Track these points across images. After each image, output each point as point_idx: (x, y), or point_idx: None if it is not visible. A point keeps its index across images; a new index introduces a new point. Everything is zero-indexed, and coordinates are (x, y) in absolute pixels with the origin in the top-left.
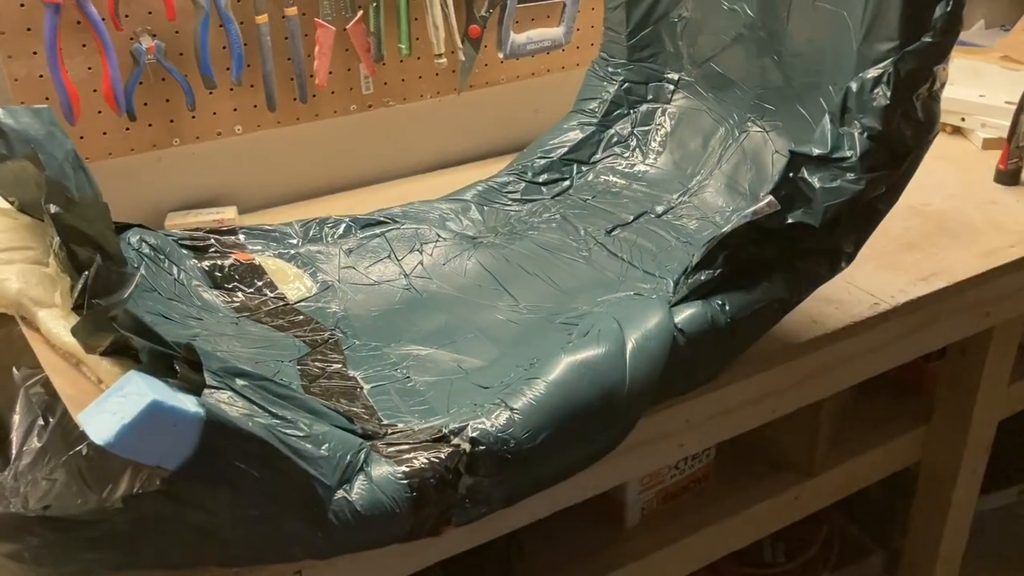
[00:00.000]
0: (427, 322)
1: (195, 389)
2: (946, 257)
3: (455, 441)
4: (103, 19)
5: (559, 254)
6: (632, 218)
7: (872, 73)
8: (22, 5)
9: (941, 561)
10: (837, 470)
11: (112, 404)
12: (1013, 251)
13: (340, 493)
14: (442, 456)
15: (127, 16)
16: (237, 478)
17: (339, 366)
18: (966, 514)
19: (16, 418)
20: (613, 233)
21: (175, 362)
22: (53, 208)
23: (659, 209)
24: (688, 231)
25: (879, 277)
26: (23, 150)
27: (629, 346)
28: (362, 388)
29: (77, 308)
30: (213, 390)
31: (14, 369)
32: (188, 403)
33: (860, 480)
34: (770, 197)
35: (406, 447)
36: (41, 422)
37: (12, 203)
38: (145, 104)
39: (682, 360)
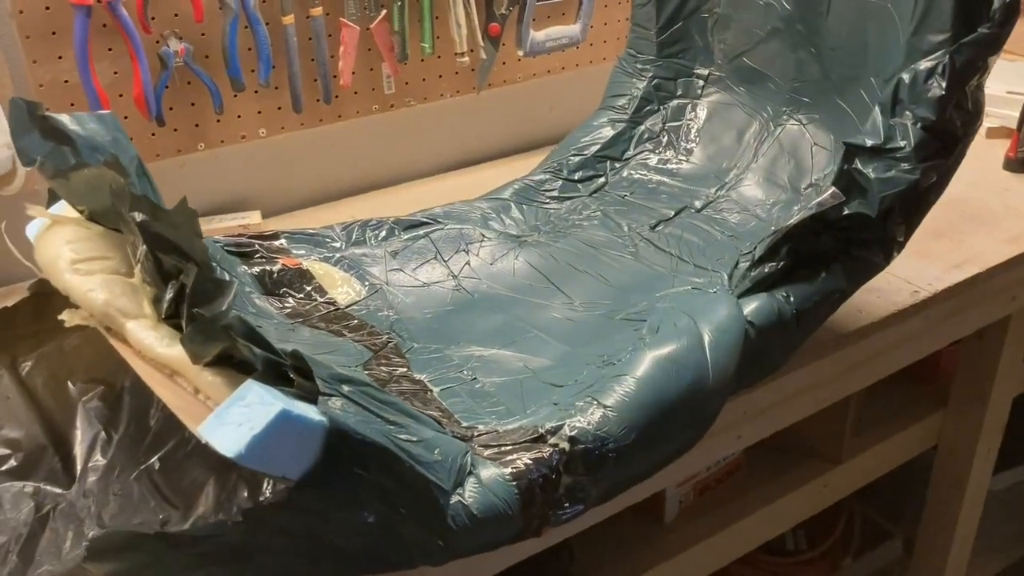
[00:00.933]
0: (484, 322)
1: (310, 397)
2: (974, 244)
3: (553, 440)
4: (132, 21)
5: (606, 251)
6: (673, 213)
7: (925, 64)
8: (47, 9)
9: (956, 541)
10: (862, 456)
11: (235, 415)
12: None
13: (455, 497)
14: (544, 456)
15: (154, 19)
16: (358, 485)
17: (404, 370)
18: (980, 494)
19: (77, 433)
20: (657, 228)
21: (289, 370)
22: (139, 216)
23: (698, 204)
24: (731, 225)
25: (914, 265)
26: (91, 157)
27: (707, 339)
28: (432, 391)
29: (169, 318)
30: (327, 397)
31: (69, 384)
32: (310, 411)
33: (884, 465)
34: (833, 189)
35: (507, 448)
36: (104, 436)
37: (81, 212)
38: (171, 108)
39: (753, 351)
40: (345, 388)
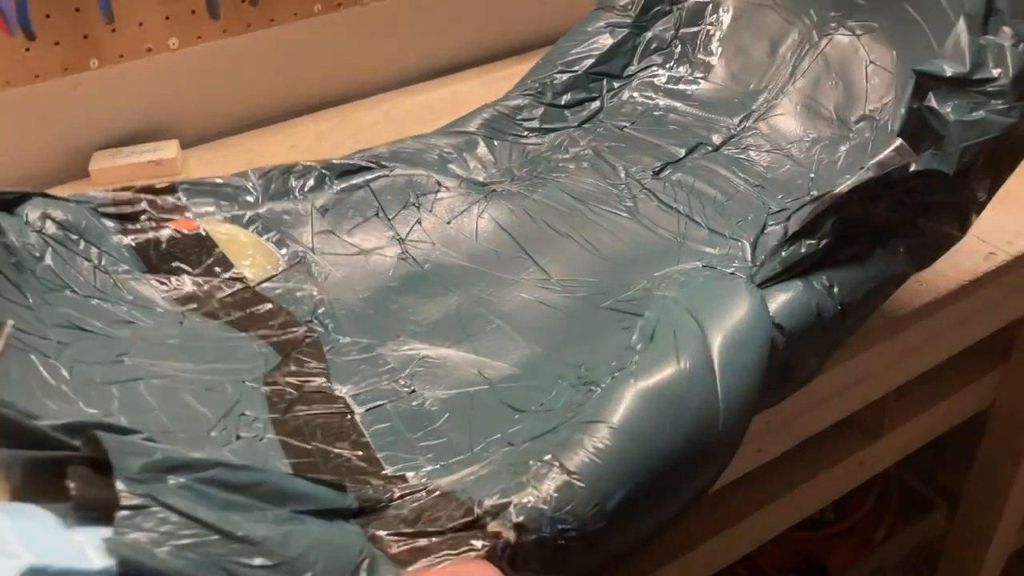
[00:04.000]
0: (433, 307)
1: (104, 514)
2: None
3: (493, 527)
4: None
5: (596, 206)
6: (685, 152)
7: None
8: None
9: (1007, 514)
10: (905, 427)
11: None
12: None
13: None
14: (479, 551)
15: None
16: None
17: (320, 379)
18: None
19: None
20: (663, 174)
21: (69, 474)
22: None
23: (716, 139)
24: (758, 169)
25: (988, 218)
26: None
27: (717, 360)
28: (353, 414)
29: None
30: (132, 512)
31: None
32: (89, 550)
33: (929, 433)
34: (900, 142)
35: (424, 542)
36: None
37: None
38: (48, 16)
39: (779, 364)
40: (172, 481)
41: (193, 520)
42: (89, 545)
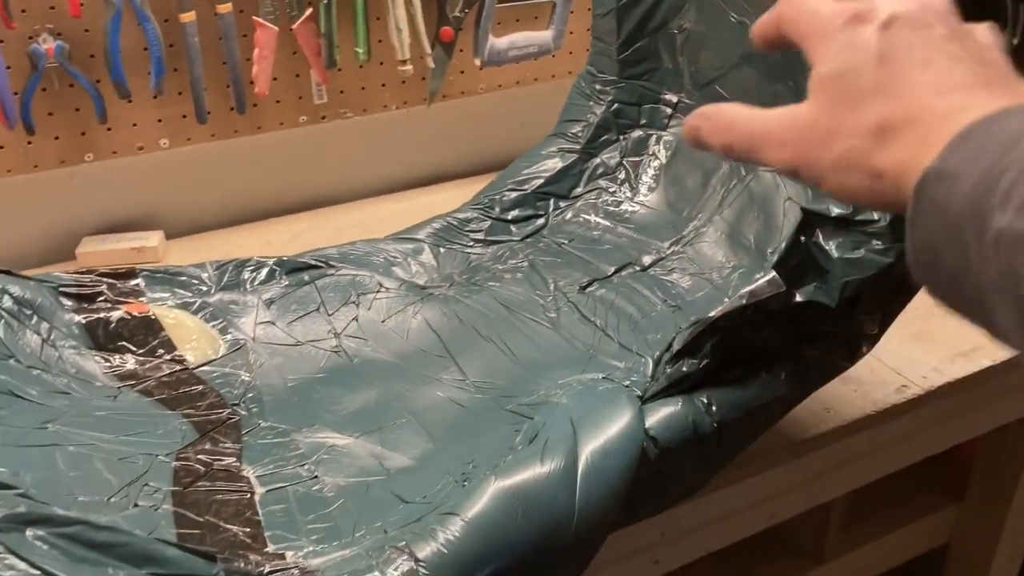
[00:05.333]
0: (352, 399)
1: None
2: None
3: None
4: None
5: (521, 315)
6: (613, 270)
7: None
8: None
9: None
10: (851, 555)
11: None
12: None
13: None
14: None
15: (24, 11)
16: None
17: (231, 459)
18: None
19: None
20: (589, 290)
21: None
22: None
23: (646, 260)
24: (679, 291)
25: (907, 351)
26: None
27: (582, 464)
28: (254, 494)
29: None
30: None
31: None
32: None
33: (878, 566)
34: (772, 274)
35: None
36: None
37: None
38: (50, 114)
39: (654, 472)
40: (31, 533)
41: (38, 569)
42: None
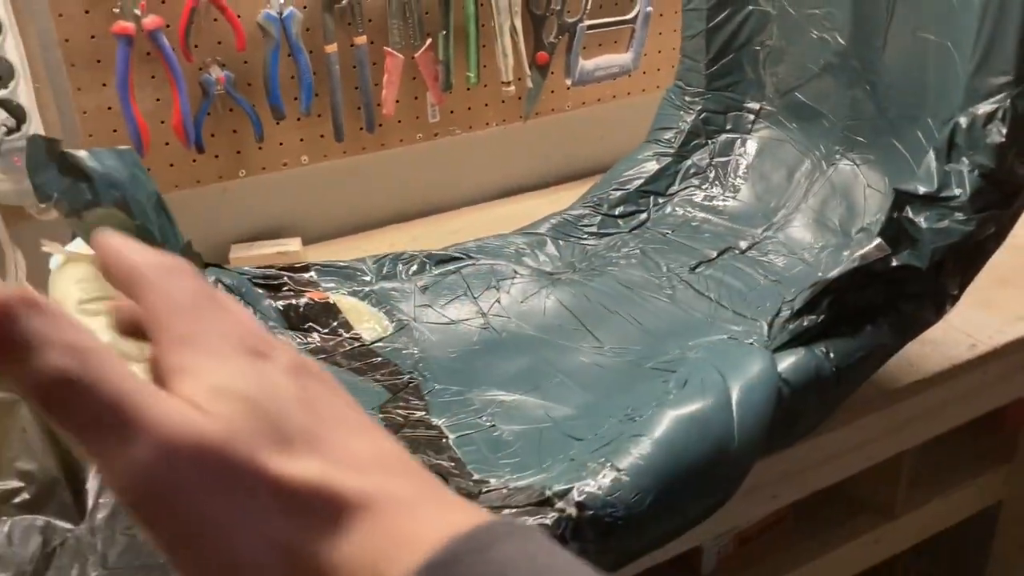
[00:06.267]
0: (508, 365)
1: None
2: None
3: (560, 505)
4: (173, 50)
5: (642, 292)
6: (716, 254)
7: (984, 108)
8: (92, 37)
9: None
10: (918, 512)
11: None
12: None
13: None
14: (548, 523)
15: (196, 46)
16: None
17: (422, 413)
18: None
19: (91, 471)
20: (698, 270)
21: None
22: None
23: (743, 244)
24: (776, 269)
25: (974, 315)
26: (109, 194)
27: (734, 398)
28: (448, 438)
29: None
30: None
31: None
32: None
33: (941, 521)
34: (879, 240)
35: (511, 512)
36: None
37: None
38: (212, 135)
39: (786, 411)
40: None
41: None
42: None
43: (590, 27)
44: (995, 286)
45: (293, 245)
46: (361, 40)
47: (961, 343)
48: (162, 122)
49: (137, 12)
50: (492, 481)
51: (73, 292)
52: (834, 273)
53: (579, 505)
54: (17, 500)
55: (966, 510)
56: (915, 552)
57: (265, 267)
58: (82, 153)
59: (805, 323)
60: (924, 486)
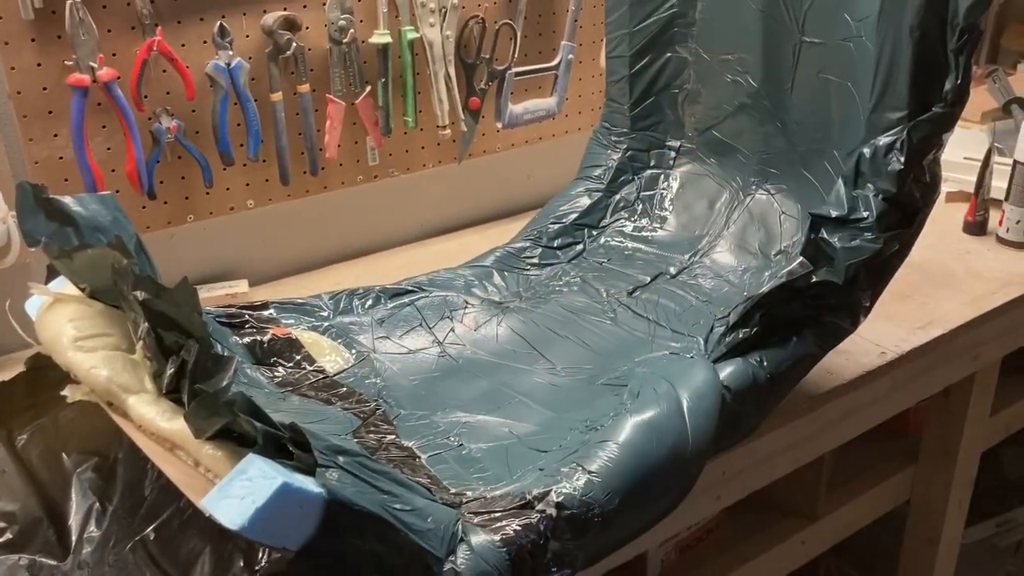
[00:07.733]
0: (469, 388)
1: (309, 469)
2: (937, 306)
3: (540, 507)
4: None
5: (586, 316)
6: (649, 279)
7: (885, 140)
8: (44, 89)
9: None
10: (837, 513)
11: (238, 488)
12: (995, 297)
13: (448, 564)
14: (532, 522)
15: (147, 96)
16: (355, 554)
17: (393, 437)
18: (954, 548)
19: (72, 505)
20: (635, 294)
21: (288, 443)
22: (142, 295)
23: (672, 270)
24: (705, 290)
25: (881, 327)
26: (93, 237)
27: (685, 404)
28: (420, 458)
29: (169, 393)
30: (324, 469)
31: (64, 456)
32: (308, 483)
33: (858, 521)
34: (801, 258)
35: (496, 514)
36: (99, 507)
37: (83, 290)
38: (162, 182)
39: (730, 415)
40: (341, 459)
41: (358, 478)
42: (308, 481)
43: (518, 74)
44: (896, 300)
45: (241, 287)
46: (304, 88)
47: (872, 352)
48: (113, 170)
49: (93, 64)
50: (469, 493)
51: (67, 330)
52: (764, 289)
53: (558, 506)
54: (1, 540)
55: (880, 509)
56: (835, 552)
57: (225, 307)
58: (67, 199)
59: (740, 335)
60: (842, 489)
